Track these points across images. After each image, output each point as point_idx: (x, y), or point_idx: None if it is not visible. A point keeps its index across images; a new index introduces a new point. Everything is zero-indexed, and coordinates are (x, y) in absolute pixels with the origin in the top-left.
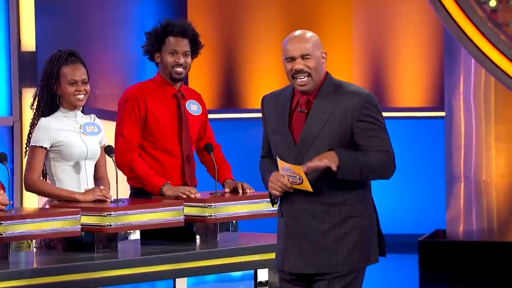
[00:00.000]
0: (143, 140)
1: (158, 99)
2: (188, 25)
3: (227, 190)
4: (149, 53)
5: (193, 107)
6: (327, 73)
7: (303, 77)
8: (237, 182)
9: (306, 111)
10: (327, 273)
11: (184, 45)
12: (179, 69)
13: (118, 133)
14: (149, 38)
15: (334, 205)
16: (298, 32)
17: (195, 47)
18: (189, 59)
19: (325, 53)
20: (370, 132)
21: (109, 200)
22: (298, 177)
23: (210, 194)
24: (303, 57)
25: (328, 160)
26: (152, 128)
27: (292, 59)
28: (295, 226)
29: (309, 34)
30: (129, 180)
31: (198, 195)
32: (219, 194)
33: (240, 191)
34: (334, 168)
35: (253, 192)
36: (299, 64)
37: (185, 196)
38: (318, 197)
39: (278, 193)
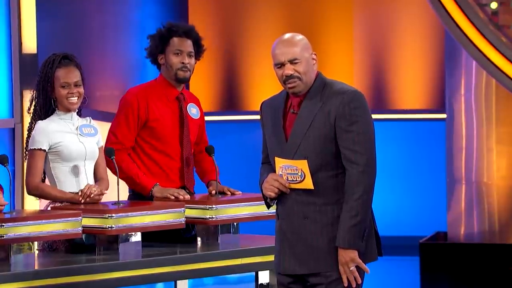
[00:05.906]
0: (144, 142)
1: (161, 101)
2: (191, 27)
3: (213, 192)
4: (152, 55)
5: (193, 111)
6: (318, 73)
7: (293, 81)
8: (223, 186)
9: (297, 112)
10: (323, 276)
11: (188, 45)
12: (185, 70)
13: (111, 132)
14: (153, 39)
15: (326, 204)
16: (285, 37)
17: (198, 50)
18: (193, 60)
19: (315, 54)
20: (347, 141)
21: (94, 193)
22: (300, 173)
23: (211, 195)
24: (291, 62)
25: (348, 261)
26: (153, 130)
27: (281, 64)
28: (288, 227)
29: (296, 37)
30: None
31: (187, 197)
32: (220, 196)
33: (229, 193)
34: (357, 260)
35: (240, 194)
36: (288, 70)
37: (173, 197)
38: (309, 197)
39: (273, 194)
